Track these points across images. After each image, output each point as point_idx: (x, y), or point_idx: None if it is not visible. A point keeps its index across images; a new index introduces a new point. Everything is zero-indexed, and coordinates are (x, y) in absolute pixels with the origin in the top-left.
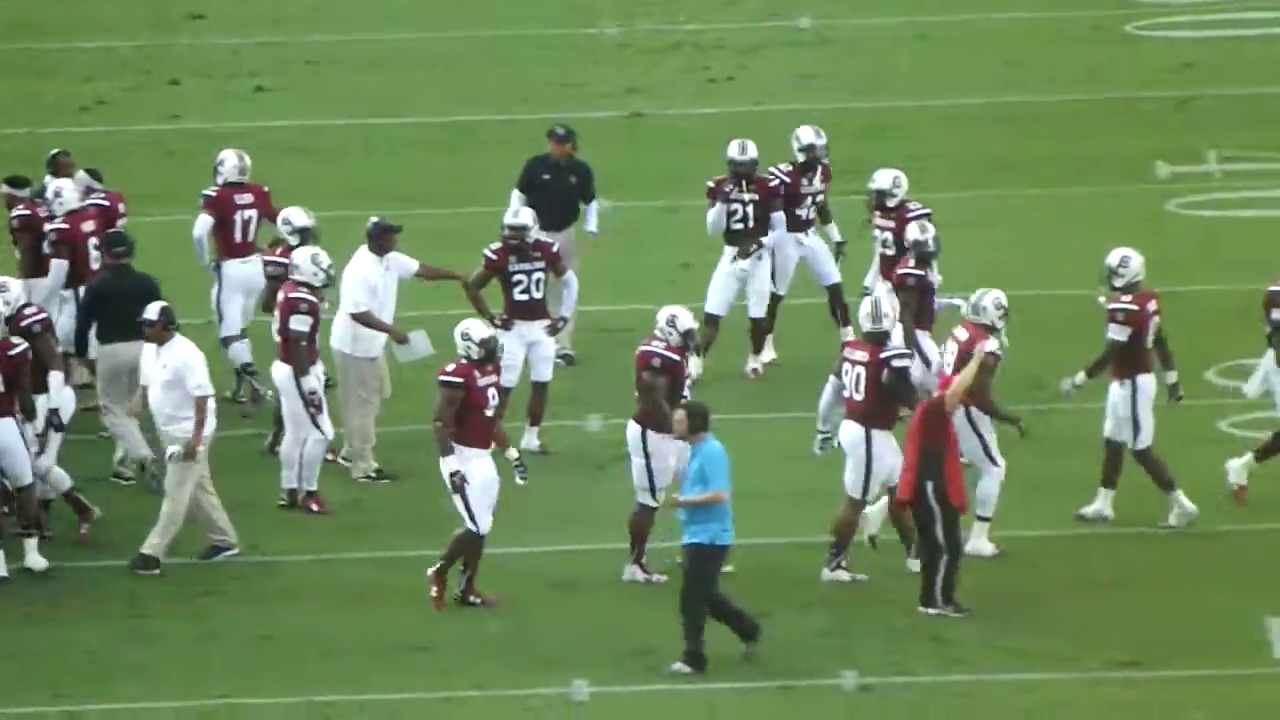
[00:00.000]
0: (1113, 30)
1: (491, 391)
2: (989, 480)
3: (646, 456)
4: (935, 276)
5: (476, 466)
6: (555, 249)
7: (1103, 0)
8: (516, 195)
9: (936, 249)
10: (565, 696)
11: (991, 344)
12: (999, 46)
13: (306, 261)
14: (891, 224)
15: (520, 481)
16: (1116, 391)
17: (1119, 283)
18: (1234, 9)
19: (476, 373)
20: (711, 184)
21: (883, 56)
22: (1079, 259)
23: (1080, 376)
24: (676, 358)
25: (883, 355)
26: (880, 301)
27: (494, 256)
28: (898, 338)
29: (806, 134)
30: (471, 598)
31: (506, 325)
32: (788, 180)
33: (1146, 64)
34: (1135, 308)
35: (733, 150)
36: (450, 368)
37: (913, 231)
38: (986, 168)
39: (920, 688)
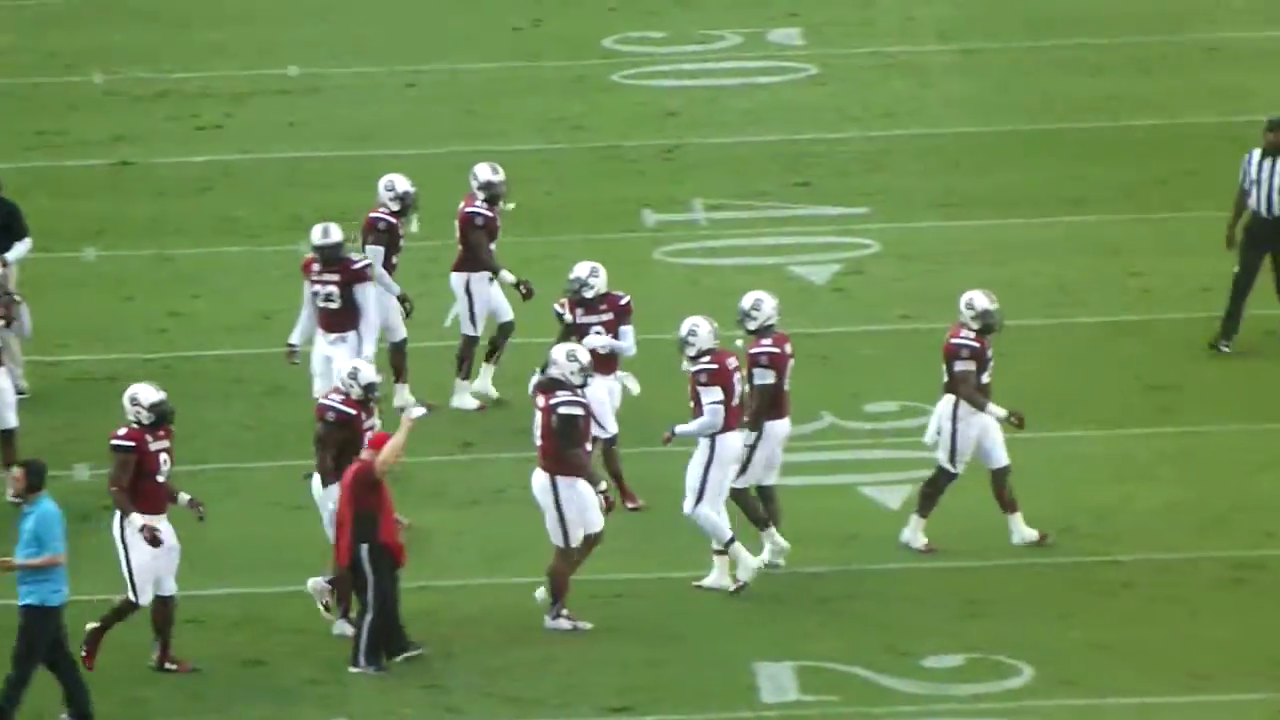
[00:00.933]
0: (598, 79)
1: (164, 456)
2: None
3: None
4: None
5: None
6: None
7: (587, 50)
8: None
9: (577, 287)
10: None
11: (418, 410)
12: (483, 97)
13: None
14: (335, 278)
15: (200, 519)
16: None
17: (753, 325)
18: (713, 59)
19: (148, 437)
20: (387, 220)
21: (371, 105)
22: None
23: (747, 433)
24: (352, 412)
25: (551, 402)
26: (576, 351)
27: None
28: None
29: (484, 171)
30: (167, 664)
31: None
32: (490, 215)
33: (631, 113)
34: (776, 350)
35: (403, 185)
36: (121, 431)
37: (573, 269)
38: None
39: None
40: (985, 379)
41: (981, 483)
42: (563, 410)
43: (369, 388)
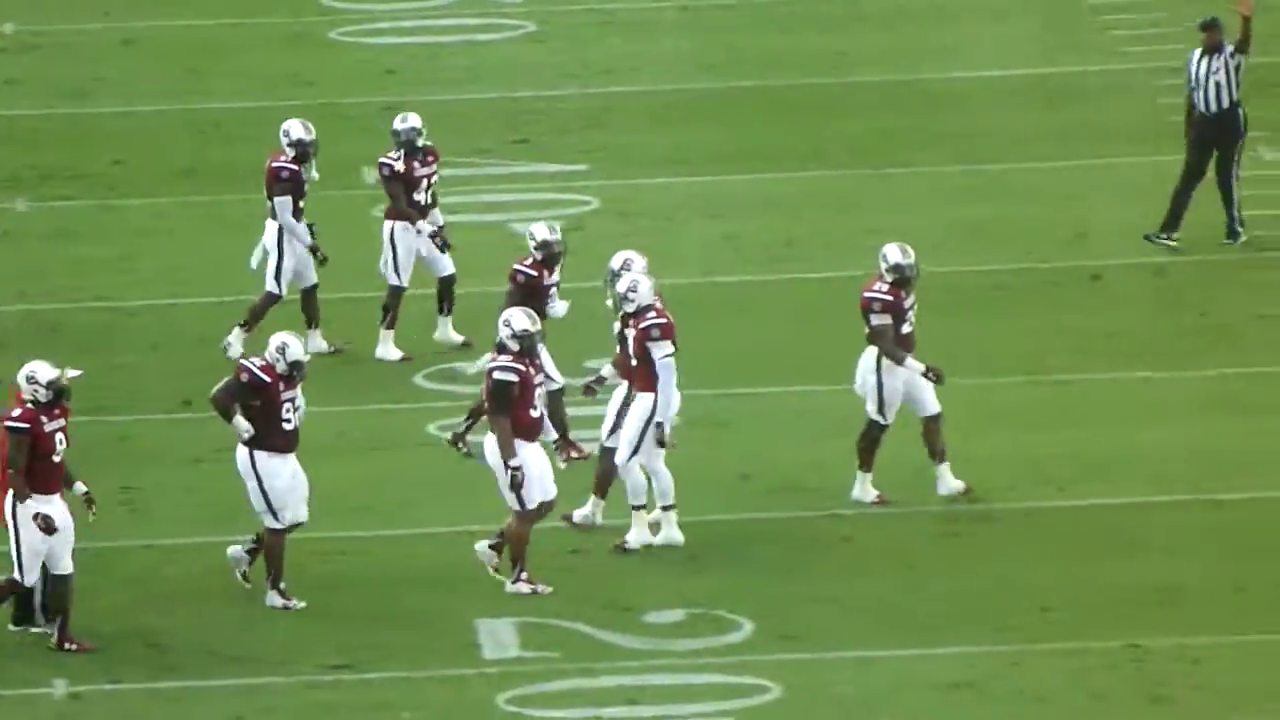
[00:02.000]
0: (317, 36)
1: (59, 436)
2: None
3: (258, 478)
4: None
5: (49, 512)
6: None
7: (306, 7)
8: None
9: (559, 250)
10: None
11: (74, 372)
12: (203, 54)
13: None
14: None
15: (91, 518)
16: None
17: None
18: (432, 16)
19: (43, 417)
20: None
21: (89, 62)
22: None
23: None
24: (266, 379)
25: (491, 365)
26: (510, 318)
27: None
28: None
29: (396, 121)
30: (67, 644)
31: None
32: (394, 165)
33: (350, 70)
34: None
35: (297, 132)
36: (16, 412)
37: (540, 232)
38: (184, 175)
39: (131, 694)
40: (905, 329)
41: (704, 437)
42: (496, 375)
43: (295, 365)
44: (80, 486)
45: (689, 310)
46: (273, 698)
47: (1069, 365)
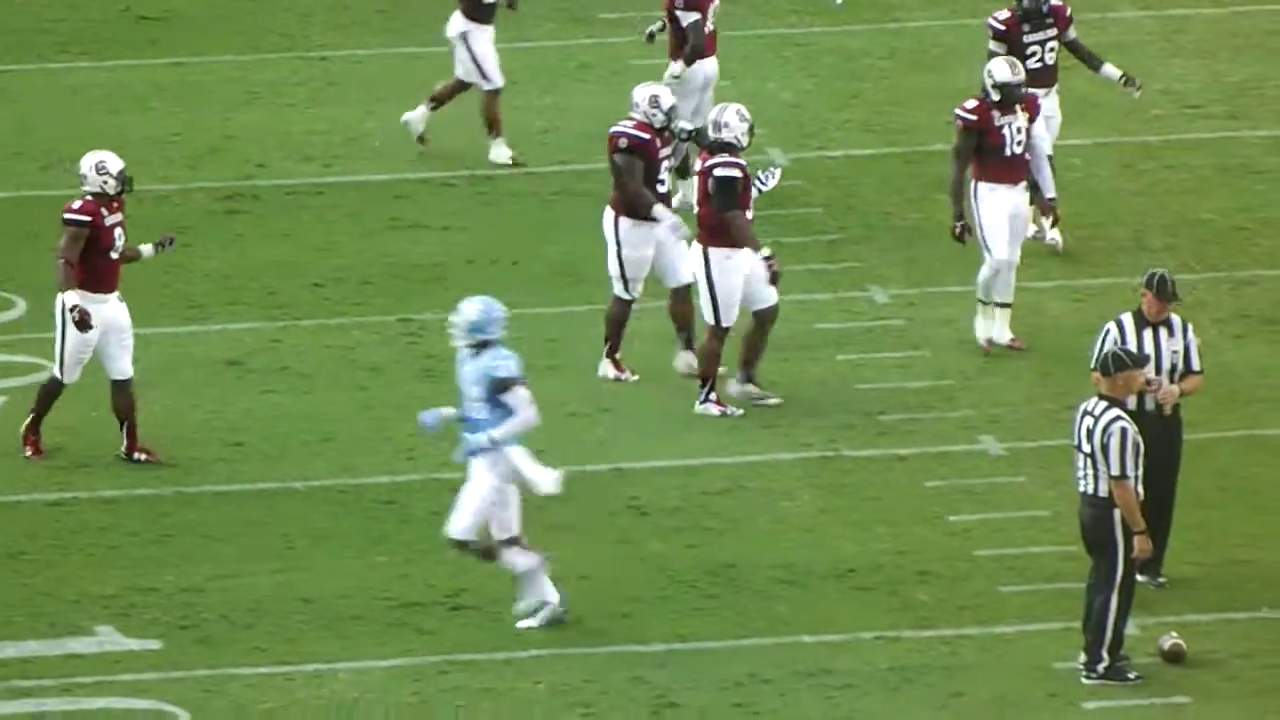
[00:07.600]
0: None
1: (118, 231)
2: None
3: (618, 245)
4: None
5: (101, 312)
6: None
7: None
8: None
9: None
10: None
11: None
12: None
13: None
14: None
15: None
16: None
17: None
18: None
19: (104, 210)
20: None
21: None
22: None
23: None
24: (646, 136)
25: (709, 163)
26: (726, 109)
27: None
28: None
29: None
30: (136, 454)
31: None
32: None
33: None
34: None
35: None
36: (76, 204)
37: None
38: None
39: None
40: (1007, 152)
41: None
42: (719, 172)
43: (671, 111)
44: (145, 248)
45: None
46: None
47: (335, 43)
